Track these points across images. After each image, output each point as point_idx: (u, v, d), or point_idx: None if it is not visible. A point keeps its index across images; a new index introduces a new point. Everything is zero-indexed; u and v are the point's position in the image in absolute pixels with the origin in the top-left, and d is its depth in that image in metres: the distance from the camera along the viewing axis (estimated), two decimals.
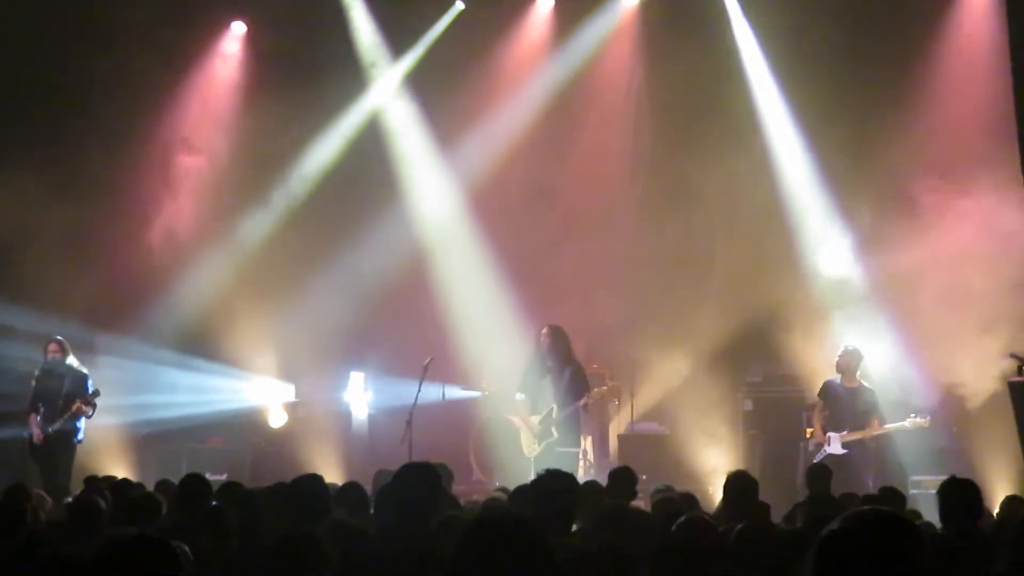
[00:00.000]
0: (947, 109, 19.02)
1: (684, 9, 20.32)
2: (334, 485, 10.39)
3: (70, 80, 20.01)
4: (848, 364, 16.75)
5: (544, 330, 16.23)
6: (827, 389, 16.85)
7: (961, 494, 8.45)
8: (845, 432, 16.40)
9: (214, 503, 10.03)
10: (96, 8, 19.82)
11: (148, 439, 19.56)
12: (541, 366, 16.19)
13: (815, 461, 15.54)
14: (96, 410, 17.03)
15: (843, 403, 16.60)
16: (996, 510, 11.41)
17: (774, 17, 19.73)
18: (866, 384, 16.78)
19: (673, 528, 7.62)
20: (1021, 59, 14.84)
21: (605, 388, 16.88)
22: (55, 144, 19.77)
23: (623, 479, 11.00)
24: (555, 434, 15.88)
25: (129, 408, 19.20)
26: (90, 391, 16.92)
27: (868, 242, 19.14)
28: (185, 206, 20.76)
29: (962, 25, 19.50)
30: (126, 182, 20.41)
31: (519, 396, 16.35)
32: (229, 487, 10.52)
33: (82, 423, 16.97)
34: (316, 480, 8.90)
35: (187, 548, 7.04)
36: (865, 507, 4.23)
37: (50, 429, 16.76)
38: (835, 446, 16.41)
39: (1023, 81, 14.83)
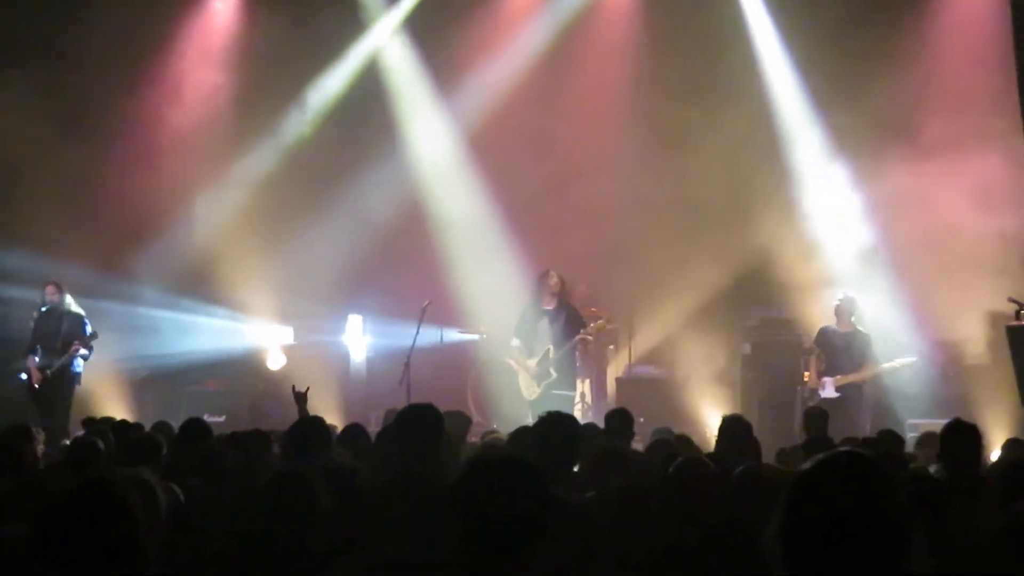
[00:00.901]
0: (949, 53, 19.00)
1: None
2: (334, 427, 10.44)
3: (68, 28, 19.88)
4: (843, 310, 16.86)
5: (553, 273, 16.27)
6: (823, 335, 16.96)
7: (964, 437, 8.46)
8: (838, 376, 16.50)
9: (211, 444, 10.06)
10: None
11: (146, 381, 19.62)
12: (536, 310, 16.22)
13: (810, 405, 15.61)
14: (93, 351, 17.09)
15: (838, 348, 16.70)
16: (994, 454, 11.44)
17: None
18: (861, 329, 16.88)
19: (671, 469, 7.64)
20: (1021, 32, 14.83)
21: (602, 321, 16.95)
22: (55, 86, 19.68)
23: (620, 421, 11.02)
24: (553, 374, 15.94)
25: (127, 350, 19.24)
26: (88, 332, 16.97)
27: (864, 181, 19.13)
28: (182, 149, 20.67)
29: None
30: (126, 125, 20.32)
31: (515, 342, 16.39)
32: (232, 435, 10.54)
33: (80, 364, 17.02)
34: (317, 421, 8.93)
35: (177, 488, 7.03)
36: (840, 449, 4.24)
37: (48, 371, 16.81)
38: (829, 390, 16.50)
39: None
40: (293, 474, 6.64)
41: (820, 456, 4.12)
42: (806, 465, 4.13)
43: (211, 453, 8.94)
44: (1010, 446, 11.01)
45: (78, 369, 17.05)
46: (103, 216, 19.68)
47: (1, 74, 19.27)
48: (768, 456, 11.01)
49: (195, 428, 10.08)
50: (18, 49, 19.57)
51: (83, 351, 16.95)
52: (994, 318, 17.14)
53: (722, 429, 10.14)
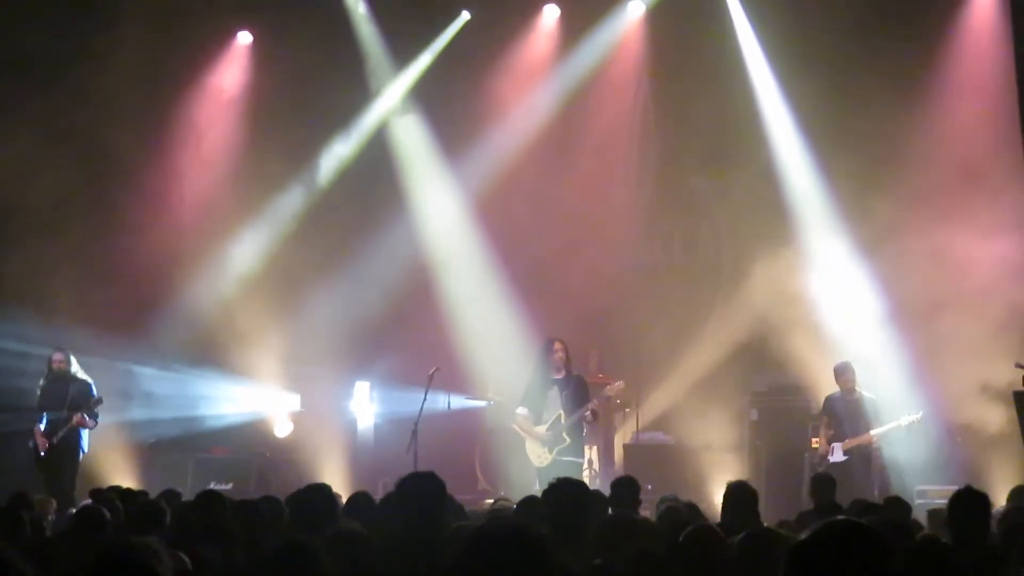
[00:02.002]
0: (953, 123, 19.01)
1: (690, 19, 20.31)
2: (340, 496, 10.42)
3: (64, 100, 19.92)
4: (842, 376, 16.92)
5: (558, 344, 16.25)
6: (828, 404, 17.09)
7: (973, 506, 8.42)
8: (847, 440, 16.57)
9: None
10: (95, 24, 19.76)
11: (154, 447, 19.57)
12: (545, 379, 16.19)
13: (818, 471, 15.62)
14: (98, 419, 17.09)
15: (844, 415, 16.80)
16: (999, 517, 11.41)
17: (781, 27, 19.69)
18: (866, 393, 16.93)
19: (680, 538, 7.61)
20: None
21: (621, 383, 16.96)
22: (76, 140, 19.69)
23: (626, 489, 10.98)
24: (567, 439, 15.90)
25: (135, 416, 19.24)
26: (94, 398, 16.96)
27: (873, 248, 19.13)
28: (192, 216, 20.72)
29: (968, 34, 19.50)
30: (140, 189, 20.35)
31: (521, 410, 16.33)
32: (240, 503, 10.53)
33: (85, 433, 17.01)
34: (323, 489, 8.91)
35: (185, 556, 7.02)
36: (838, 518, 4.25)
37: (54, 439, 16.80)
38: (837, 455, 16.61)
39: None
40: (298, 544, 6.63)
41: (818, 525, 4.14)
42: (804, 534, 4.15)
43: (219, 521, 8.91)
44: (1018, 494, 10.99)
45: (84, 439, 17.04)
46: (113, 280, 19.67)
47: (26, 128, 19.26)
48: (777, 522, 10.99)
49: (208, 497, 10.02)
50: (41, 99, 19.58)
51: (88, 422, 16.96)
52: (1002, 383, 17.10)
53: (727, 496, 10.10)
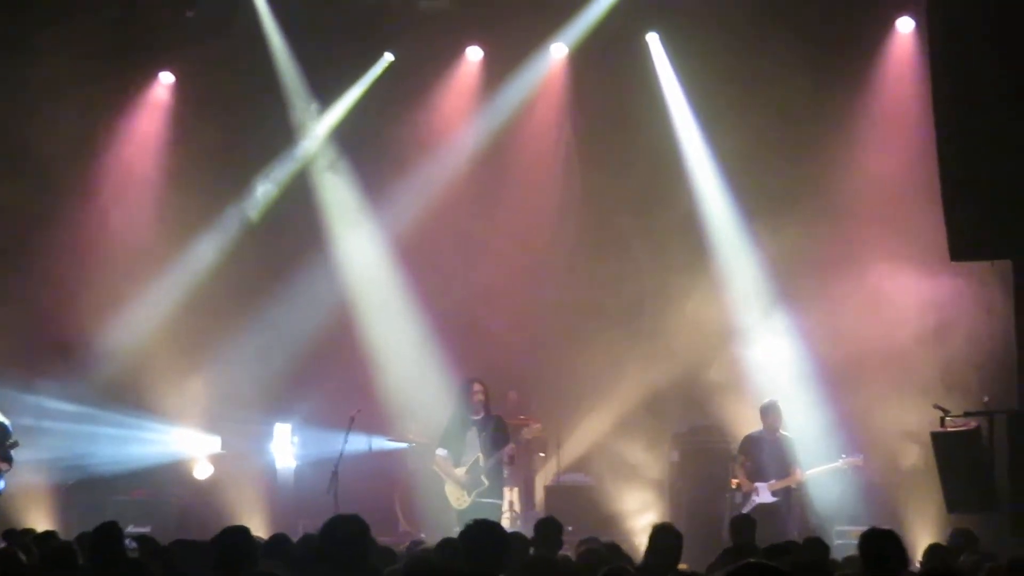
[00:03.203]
0: (874, 166, 19.16)
1: (612, 62, 20.43)
2: (260, 539, 10.32)
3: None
4: (768, 416, 17.05)
5: (477, 386, 16.22)
6: (749, 442, 17.21)
7: (882, 544, 8.47)
8: (773, 481, 16.65)
9: (134, 556, 9.94)
10: (17, 60, 19.64)
11: (71, 490, 19.39)
12: (463, 420, 16.17)
13: (744, 512, 15.70)
14: (12, 463, 16.88)
15: (765, 454, 16.91)
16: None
17: (702, 68, 19.84)
18: (786, 434, 17.08)
19: None
20: (944, 122, 15.02)
21: (538, 426, 16.96)
22: None
23: (548, 529, 10.98)
24: (485, 482, 15.87)
25: (52, 459, 19.04)
26: (10, 441, 16.75)
27: (794, 290, 19.27)
28: (112, 256, 20.55)
29: (891, 80, 19.69)
30: (51, 231, 20.20)
31: (440, 451, 16.28)
32: (149, 541, 10.42)
33: (1, 478, 16.79)
34: (242, 531, 8.83)
35: None
36: (750, 560, 4.29)
37: None
38: (764, 495, 16.69)
39: (946, 144, 14.99)
40: None
41: (731, 568, 4.18)
42: None
43: (133, 565, 8.82)
44: (931, 552, 11.07)
45: (1, 481, 16.83)
46: (30, 325, 19.51)
47: None
48: (699, 564, 11.02)
49: (106, 532, 9.83)
50: None
51: (2, 466, 16.75)
52: (920, 425, 17.23)
53: (651, 538, 10.11)
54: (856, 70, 19.63)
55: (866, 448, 17.65)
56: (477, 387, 16.21)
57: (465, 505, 15.88)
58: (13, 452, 16.94)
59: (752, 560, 4.31)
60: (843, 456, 16.90)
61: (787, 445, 16.98)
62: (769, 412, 17.14)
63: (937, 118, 15.17)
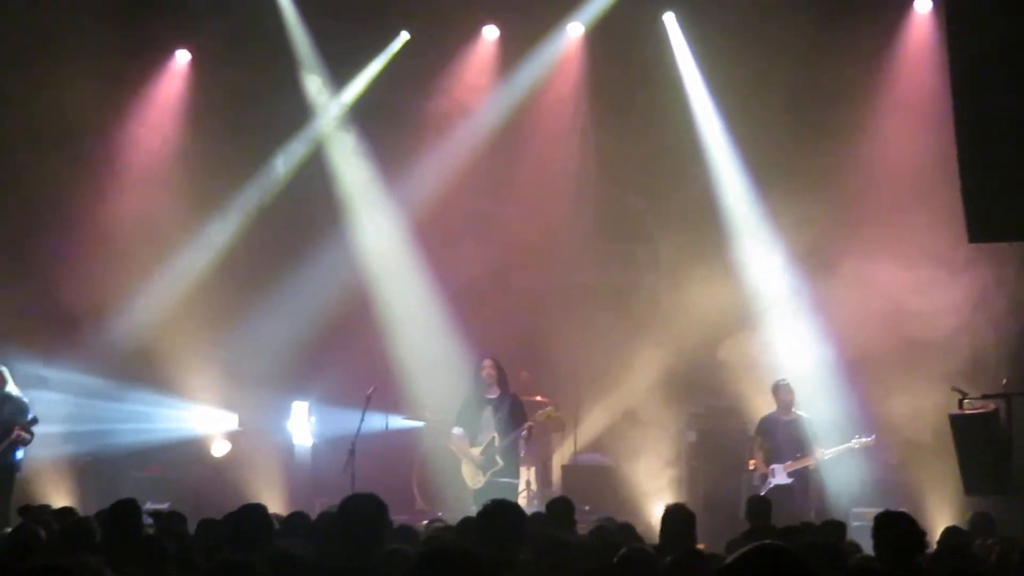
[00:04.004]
0: (893, 147, 19.11)
1: (629, 41, 20.37)
2: (278, 516, 10.36)
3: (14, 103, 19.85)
4: (781, 396, 17.01)
5: (487, 362, 16.24)
6: (764, 423, 17.16)
7: (896, 527, 8.47)
8: (788, 463, 16.62)
9: (150, 532, 9.96)
10: (37, 33, 19.66)
11: (89, 467, 19.45)
12: (479, 398, 16.18)
13: (761, 493, 15.70)
14: (34, 437, 16.89)
15: (781, 435, 16.86)
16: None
17: (719, 48, 19.78)
18: (803, 414, 17.01)
19: (615, 559, 7.63)
20: (961, 102, 14.92)
21: (551, 408, 16.93)
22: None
23: (561, 509, 10.99)
24: (500, 462, 15.88)
25: (70, 436, 19.08)
26: (29, 417, 16.77)
27: (808, 269, 19.25)
28: (129, 233, 20.58)
29: (907, 62, 19.63)
30: (67, 212, 20.22)
31: (457, 430, 16.30)
32: (169, 516, 10.44)
33: (21, 452, 16.82)
34: (258, 509, 8.85)
35: None
36: (764, 542, 4.30)
37: None
38: (780, 477, 16.66)
39: (964, 124, 14.90)
40: (236, 564, 6.57)
41: (743, 550, 4.19)
42: (730, 558, 4.20)
43: (148, 540, 8.85)
44: (948, 535, 11.06)
45: (19, 456, 16.86)
46: (48, 303, 19.55)
47: None
48: (716, 544, 11.04)
49: (125, 510, 9.87)
50: None
51: (25, 437, 16.74)
52: (938, 407, 17.20)
53: (664, 519, 10.14)
54: (874, 48, 19.55)
55: (883, 431, 17.65)
56: (487, 363, 16.23)
57: (480, 484, 15.91)
58: (33, 428, 16.94)
59: (766, 541, 4.31)
60: (857, 437, 16.88)
61: (803, 425, 16.93)
62: (780, 391, 17.12)
63: (955, 98, 15.09)
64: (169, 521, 10.95)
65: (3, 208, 19.48)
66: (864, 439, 16.81)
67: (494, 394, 16.11)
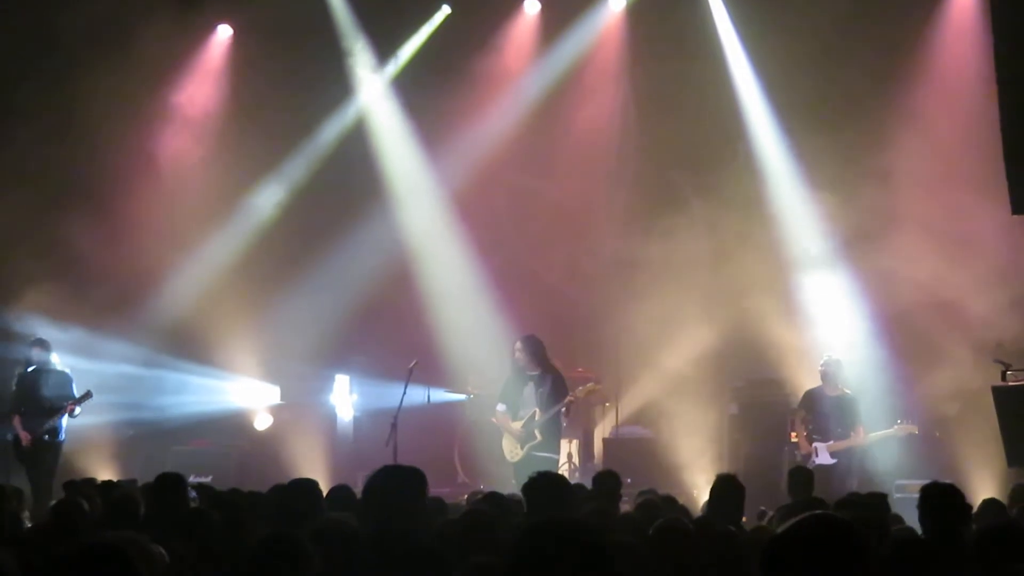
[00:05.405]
0: (935, 121, 19.01)
1: (671, 15, 20.32)
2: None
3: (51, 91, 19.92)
4: (830, 373, 16.82)
5: (517, 344, 16.17)
6: (809, 398, 16.90)
7: (942, 498, 8.44)
8: (832, 442, 16.43)
9: (195, 505, 10.02)
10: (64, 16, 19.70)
11: (133, 440, 19.58)
12: (521, 376, 16.14)
13: (795, 466, 15.59)
14: (81, 410, 16.99)
15: (827, 412, 16.64)
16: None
17: (762, 21, 19.73)
18: (848, 392, 16.85)
19: (651, 530, 7.65)
20: (1005, 71, 14.80)
21: (592, 383, 16.87)
22: (41, 158, 19.70)
23: (608, 482, 11.03)
24: (538, 436, 15.87)
25: (114, 409, 19.18)
26: (74, 390, 16.87)
27: (850, 244, 19.17)
28: (171, 207, 20.66)
29: (949, 34, 19.53)
30: (112, 187, 20.31)
31: (500, 407, 16.28)
32: (211, 490, 10.49)
33: (64, 421, 16.90)
34: (310, 483, 8.89)
35: (163, 550, 6.99)
36: (816, 512, 4.27)
37: (38, 432, 16.69)
38: (824, 456, 16.39)
39: (1007, 94, 14.78)
40: (285, 537, 6.58)
41: (794, 520, 4.16)
42: (780, 529, 4.17)
43: (194, 513, 8.90)
44: (987, 507, 11.00)
45: (63, 430, 16.95)
46: (92, 278, 19.64)
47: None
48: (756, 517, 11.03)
49: (169, 482, 9.93)
50: (19, 116, 19.60)
51: (75, 409, 16.83)
52: (981, 379, 17.12)
53: (713, 489, 10.14)
54: (917, 22, 19.47)
55: (927, 403, 17.59)
56: (517, 345, 16.14)
57: (518, 458, 15.90)
58: (85, 403, 17.02)
59: (818, 511, 4.29)
60: (899, 421, 16.70)
61: (849, 403, 16.70)
62: (828, 366, 16.93)
63: (998, 69, 14.98)
64: (213, 492, 10.99)
65: (55, 179, 19.56)
66: (907, 427, 16.58)
67: (535, 371, 16.08)
